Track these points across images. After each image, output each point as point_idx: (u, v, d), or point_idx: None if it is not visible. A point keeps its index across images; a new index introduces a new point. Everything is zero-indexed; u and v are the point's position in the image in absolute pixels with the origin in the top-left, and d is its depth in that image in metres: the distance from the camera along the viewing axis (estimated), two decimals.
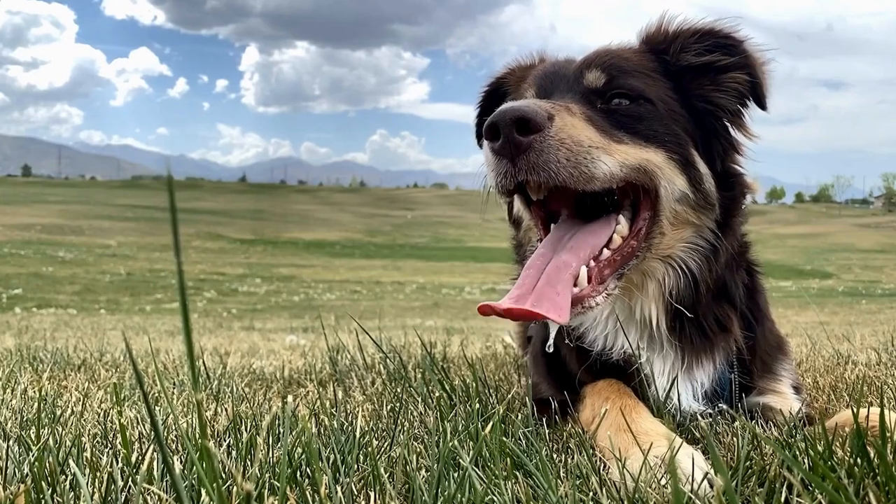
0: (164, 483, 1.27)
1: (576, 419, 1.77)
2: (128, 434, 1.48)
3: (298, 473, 1.31)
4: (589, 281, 1.56)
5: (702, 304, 1.76)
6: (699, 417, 1.75)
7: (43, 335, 6.63)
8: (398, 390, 2.30)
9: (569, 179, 1.48)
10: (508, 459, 1.33)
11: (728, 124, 1.79)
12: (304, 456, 1.36)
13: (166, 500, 1.18)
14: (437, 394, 2.14)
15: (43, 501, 1.18)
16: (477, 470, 1.29)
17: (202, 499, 1.09)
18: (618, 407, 1.58)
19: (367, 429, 1.63)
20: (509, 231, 2.05)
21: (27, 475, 1.32)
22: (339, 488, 1.23)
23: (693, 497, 1.17)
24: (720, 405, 1.79)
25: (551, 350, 1.80)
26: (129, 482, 1.27)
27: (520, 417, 1.79)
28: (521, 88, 1.88)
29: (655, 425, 1.51)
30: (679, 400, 1.75)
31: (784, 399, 1.86)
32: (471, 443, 1.51)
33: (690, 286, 1.73)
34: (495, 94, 2.08)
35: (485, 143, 1.53)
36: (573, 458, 1.43)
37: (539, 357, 2.06)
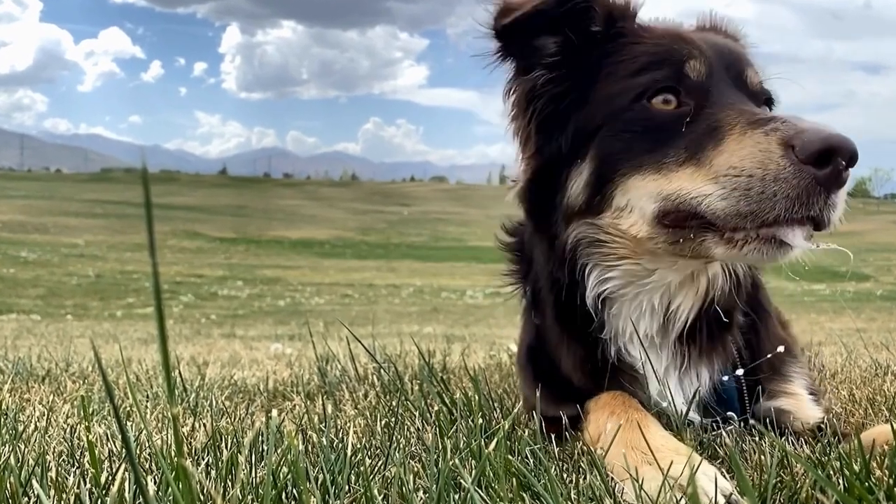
0: None
1: (579, 437, 1.77)
2: (96, 452, 1.48)
3: (284, 495, 1.32)
4: None
5: (736, 308, 1.81)
6: (711, 428, 1.78)
7: (3, 343, 6.63)
8: (393, 404, 2.30)
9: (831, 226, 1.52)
10: (514, 479, 1.34)
11: None
12: (290, 476, 1.36)
13: None
14: (435, 408, 2.14)
15: None
16: (480, 491, 1.29)
17: None
18: (626, 421, 1.59)
19: (359, 446, 1.64)
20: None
21: None
22: None
23: None
24: (728, 414, 1.80)
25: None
26: None
27: (526, 433, 1.79)
28: (665, 47, 1.72)
29: (668, 440, 1.51)
30: (673, 402, 1.77)
31: (798, 401, 1.88)
32: (473, 461, 1.51)
33: (734, 289, 1.79)
34: (575, 13, 1.75)
35: (788, 151, 1.45)
36: (585, 478, 1.43)
37: (526, 364, 2.08)
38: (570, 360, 1.89)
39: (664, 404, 1.77)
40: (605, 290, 1.75)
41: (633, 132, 1.64)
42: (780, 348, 1.92)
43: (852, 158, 1.44)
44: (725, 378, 1.83)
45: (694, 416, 1.81)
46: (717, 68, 1.68)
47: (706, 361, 1.81)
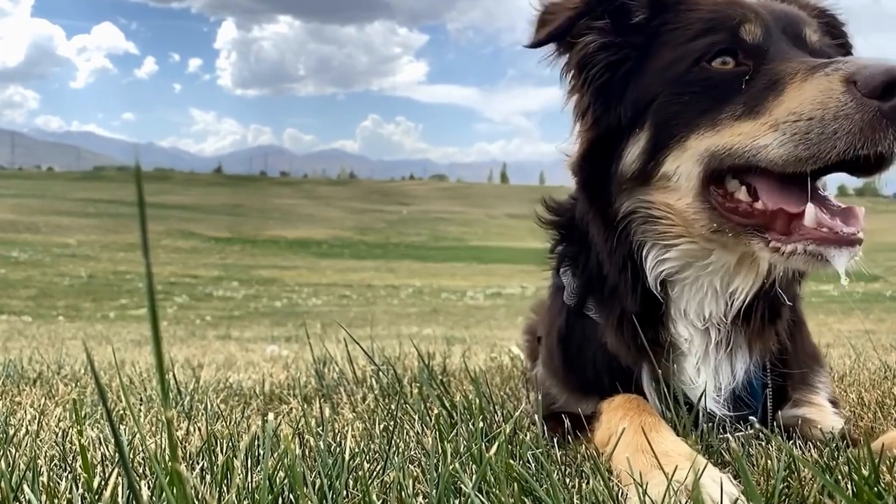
0: None
1: (590, 439, 1.78)
2: (89, 456, 1.48)
3: (280, 500, 1.32)
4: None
5: (790, 294, 1.84)
6: (735, 423, 1.79)
7: None
8: (392, 407, 2.30)
9: None
10: (516, 484, 1.34)
11: None
12: (286, 480, 1.36)
13: None
14: (435, 411, 2.14)
15: None
16: (481, 496, 1.29)
17: None
18: (636, 425, 1.59)
19: (357, 450, 1.64)
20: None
21: None
22: None
23: None
24: (752, 419, 1.80)
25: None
26: None
27: (528, 437, 1.79)
28: (720, 12, 1.74)
29: (678, 445, 1.51)
30: (709, 389, 1.79)
31: (822, 412, 1.89)
32: (474, 466, 1.51)
33: (795, 274, 1.81)
34: None
35: (850, 87, 1.44)
36: (588, 482, 1.43)
37: (556, 348, 2.05)
38: (619, 337, 1.85)
39: (698, 388, 1.78)
40: (663, 271, 1.75)
41: (691, 94, 1.65)
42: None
43: None
44: (754, 379, 1.84)
45: (721, 408, 1.81)
46: (773, 30, 1.68)
47: (749, 349, 1.81)
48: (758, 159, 1.53)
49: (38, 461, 1.58)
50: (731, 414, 1.81)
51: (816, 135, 1.45)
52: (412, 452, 1.74)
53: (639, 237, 1.75)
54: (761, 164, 1.53)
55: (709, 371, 1.80)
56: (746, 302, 1.76)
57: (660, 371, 1.79)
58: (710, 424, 1.76)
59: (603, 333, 1.90)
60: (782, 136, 1.49)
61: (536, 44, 1.83)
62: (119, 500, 1.29)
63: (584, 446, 1.75)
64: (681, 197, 1.67)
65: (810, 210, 1.53)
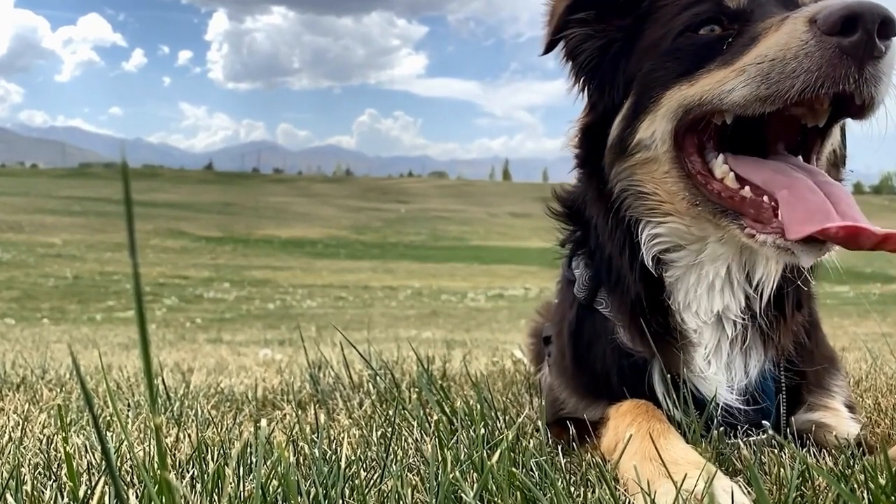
0: None
1: (596, 446, 1.78)
2: (75, 464, 1.48)
3: None
4: None
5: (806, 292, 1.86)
6: (737, 433, 1.79)
7: None
8: (390, 413, 2.30)
9: (879, 104, 1.53)
10: (518, 493, 1.34)
11: None
12: (280, 489, 1.36)
13: None
14: (435, 417, 2.14)
15: None
16: None
17: None
18: (644, 431, 1.59)
19: (353, 458, 1.64)
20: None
21: None
22: None
23: None
24: (766, 423, 1.81)
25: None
26: None
27: (532, 444, 1.79)
28: None
29: (687, 453, 1.51)
30: (724, 382, 1.80)
31: (837, 416, 1.89)
32: (475, 474, 1.51)
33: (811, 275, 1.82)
34: None
35: (812, 26, 1.47)
36: (594, 491, 1.43)
37: (567, 344, 2.05)
38: (629, 325, 1.86)
39: (710, 380, 1.79)
40: (655, 246, 1.78)
41: (674, 59, 1.70)
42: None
43: (885, 24, 1.43)
44: (767, 379, 1.85)
45: (736, 400, 1.82)
46: None
47: (764, 346, 1.82)
48: (723, 103, 1.58)
49: (22, 469, 1.58)
50: (746, 408, 1.82)
51: (777, 74, 1.50)
52: (411, 460, 1.75)
53: (631, 213, 1.80)
54: (725, 108, 1.58)
55: (720, 365, 1.80)
56: (772, 293, 1.78)
57: (670, 362, 1.80)
58: (722, 428, 1.76)
59: (613, 328, 1.91)
60: (747, 77, 1.54)
61: (548, 47, 1.90)
62: None
63: (589, 453, 1.76)
64: (659, 166, 1.73)
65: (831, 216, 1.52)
